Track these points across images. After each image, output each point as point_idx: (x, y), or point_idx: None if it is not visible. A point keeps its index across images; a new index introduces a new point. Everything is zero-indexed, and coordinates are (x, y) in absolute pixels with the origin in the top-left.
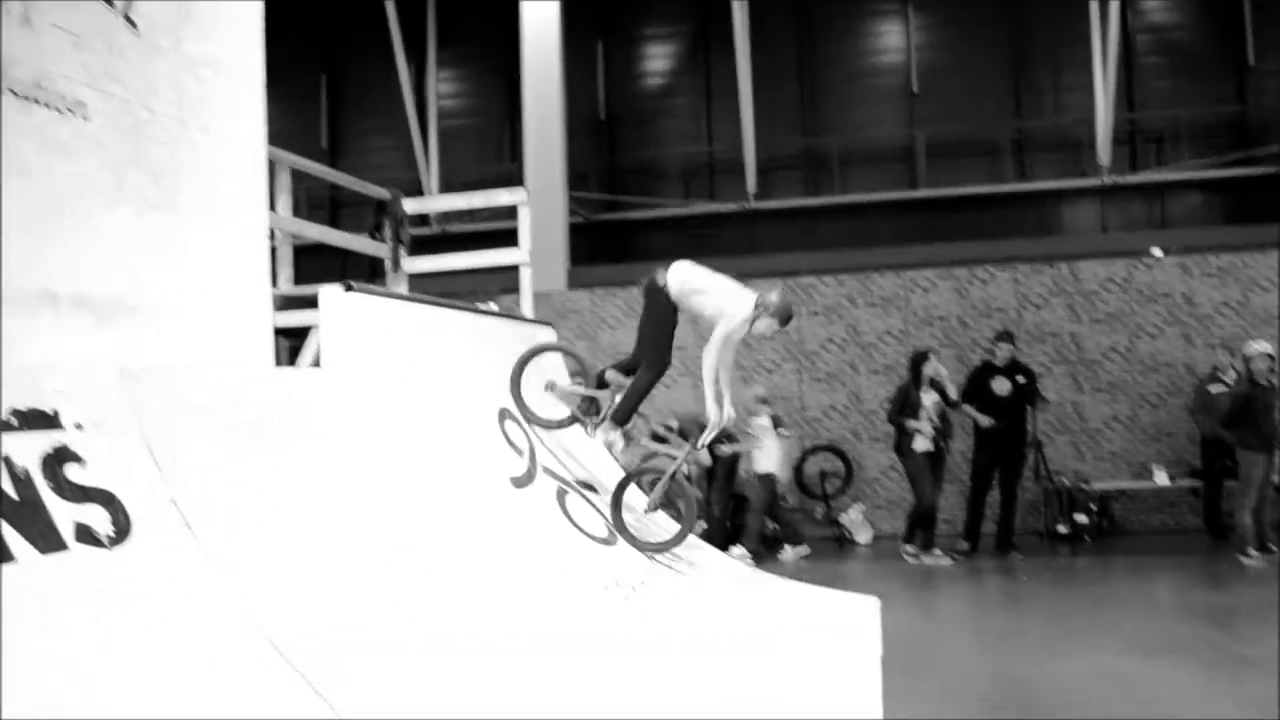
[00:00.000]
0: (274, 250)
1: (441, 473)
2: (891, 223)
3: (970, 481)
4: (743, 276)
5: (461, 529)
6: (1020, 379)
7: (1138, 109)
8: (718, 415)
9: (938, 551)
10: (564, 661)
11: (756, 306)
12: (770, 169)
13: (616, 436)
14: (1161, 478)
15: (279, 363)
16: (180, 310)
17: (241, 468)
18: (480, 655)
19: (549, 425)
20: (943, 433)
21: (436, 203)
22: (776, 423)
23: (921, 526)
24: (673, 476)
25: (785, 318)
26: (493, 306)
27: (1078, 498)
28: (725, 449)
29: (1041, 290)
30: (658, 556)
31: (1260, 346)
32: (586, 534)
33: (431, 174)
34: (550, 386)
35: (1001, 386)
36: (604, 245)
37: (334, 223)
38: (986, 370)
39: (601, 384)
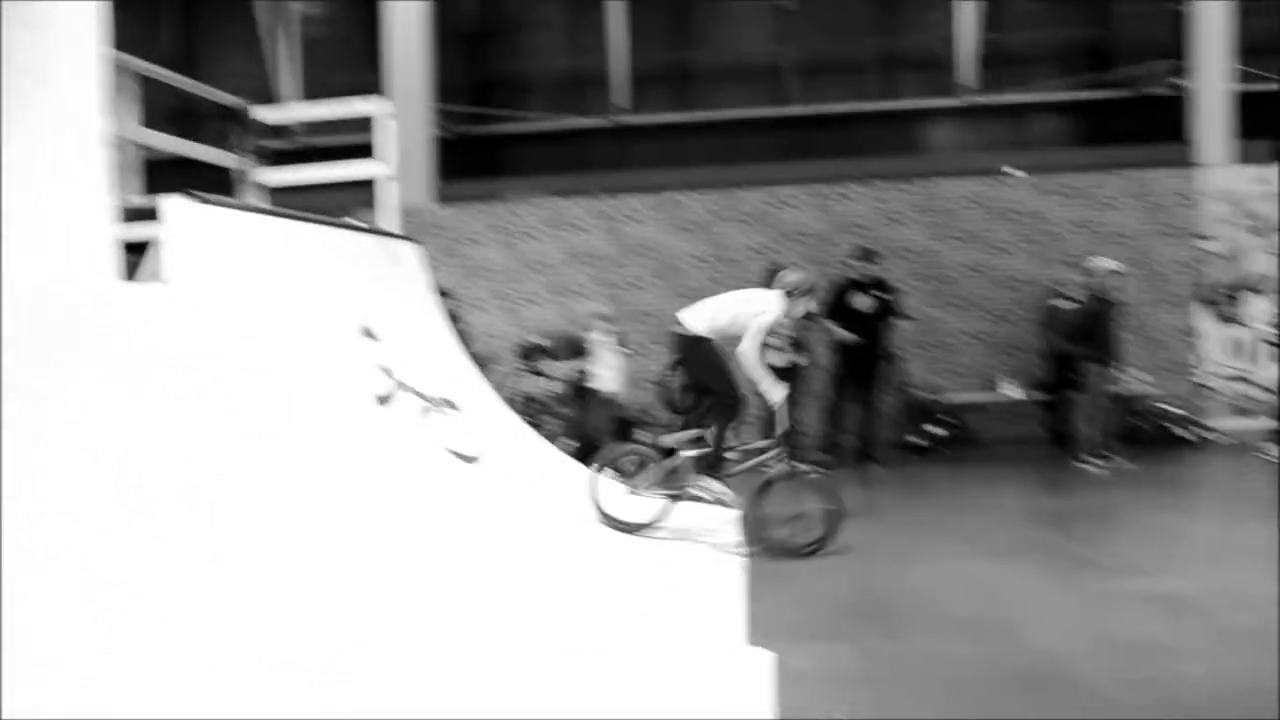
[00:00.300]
0: (120, 162)
1: (298, 393)
2: (759, 139)
3: (829, 395)
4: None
5: (324, 450)
6: (881, 295)
7: (1000, 30)
8: (776, 395)
9: (797, 463)
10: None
11: (787, 294)
12: (641, 84)
13: (714, 484)
14: (1012, 390)
15: (126, 279)
16: (12, 223)
17: (78, 388)
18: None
19: (648, 526)
20: (800, 347)
21: (289, 112)
22: (620, 341)
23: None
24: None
25: (811, 292)
26: (355, 222)
27: (933, 410)
28: (562, 368)
29: (902, 207)
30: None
31: (1107, 263)
32: (453, 452)
33: (290, 85)
34: (632, 490)
35: (863, 302)
36: (471, 160)
37: (194, 137)
38: (848, 286)
39: (670, 454)
